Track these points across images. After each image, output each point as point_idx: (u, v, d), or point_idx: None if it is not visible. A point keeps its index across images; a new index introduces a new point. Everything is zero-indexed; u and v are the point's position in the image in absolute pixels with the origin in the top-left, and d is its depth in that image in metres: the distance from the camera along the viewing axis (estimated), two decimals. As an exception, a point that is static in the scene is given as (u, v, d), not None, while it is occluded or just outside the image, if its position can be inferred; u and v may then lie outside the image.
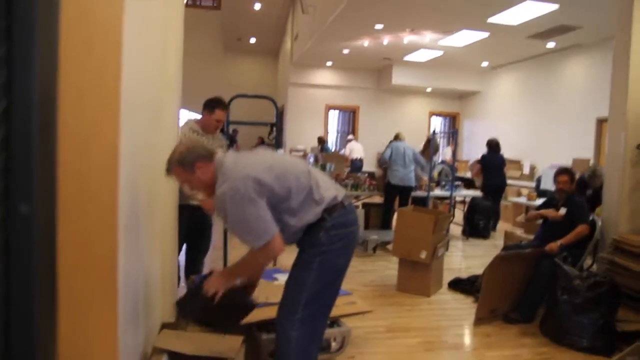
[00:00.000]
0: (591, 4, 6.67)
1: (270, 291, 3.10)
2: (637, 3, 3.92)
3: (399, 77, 12.31)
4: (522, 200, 6.99)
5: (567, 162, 8.34)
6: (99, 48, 1.18)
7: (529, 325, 3.70)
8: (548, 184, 7.16)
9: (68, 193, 1.05)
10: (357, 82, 13.36)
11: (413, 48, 10.18)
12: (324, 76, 13.24)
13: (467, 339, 3.57)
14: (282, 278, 2.80)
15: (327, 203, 2.19)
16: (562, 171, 4.24)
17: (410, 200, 6.68)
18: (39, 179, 0.74)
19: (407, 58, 11.20)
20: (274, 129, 4.73)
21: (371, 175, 7.39)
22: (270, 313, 2.60)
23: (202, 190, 2.21)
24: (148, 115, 2.27)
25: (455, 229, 7.52)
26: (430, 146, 7.04)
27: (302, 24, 11.26)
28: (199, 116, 3.59)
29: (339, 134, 14.02)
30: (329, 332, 2.83)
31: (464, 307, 4.15)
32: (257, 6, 12.11)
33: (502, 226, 8.10)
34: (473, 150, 12.33)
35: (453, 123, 14.13)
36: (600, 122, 8.65)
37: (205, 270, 3.88)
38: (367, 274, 5.04)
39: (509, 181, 9.96)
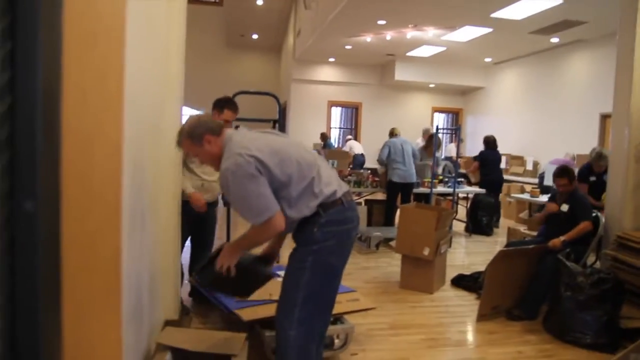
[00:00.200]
0: (595, -2, 6.64)
1: (273, 288, 3.09)
2: (642, -2, 3.89)
3: (401, 73, 12.27)
4: (526, 196, 6.98)
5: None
6: (102, 46, 1.18)
7: (532, 322, 3.70)
8: (551, 180, 7.14)
9: (71, 192, 1.05)
10: (360, 78, 13.32)
11: (416, 44, 10.15)
12: (327, 72, 13.21)
13: (470, 336, 3.57)
14: (286, 275, 2.79)
15: (324, 198, 2.17)
16: (560, 174, 4.15)
17: (412, 197, 6.67)
18: (43, 176, 0.74)
19: (410, 54, 11.16)
20: (277, 125, 4.72)
21: (374, 171, 7.38)
22: (273, 310, 2.61)
23: (209, 164, 2.23)
24: (150, 113, 2.27)
25: (458, 226, 7.52)
26: (434, 142, 7.04)
27: (304, 19, 11.23)
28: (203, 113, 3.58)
29: (342, 131, 14.01)
30: (332, 329, 2.84)
31: (467, 304, 4.15)
32: (260, 2, 12.08)
33: (505, 223, 8.09)
34: (476, 146, 12.26)
35: (456, 119, 14.09)
36: (604, 118, 8.62)
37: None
38: (370, 271, 5.04)
39: (512, 177, 10.00)
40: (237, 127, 3.19)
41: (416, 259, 4.34)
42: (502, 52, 10.90)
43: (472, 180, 8.18)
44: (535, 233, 4.78)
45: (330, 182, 2.25)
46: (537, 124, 10.56)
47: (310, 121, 13.19)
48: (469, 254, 6.08)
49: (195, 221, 3.51)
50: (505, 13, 7.54)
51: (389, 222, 6.64)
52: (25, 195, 0.73)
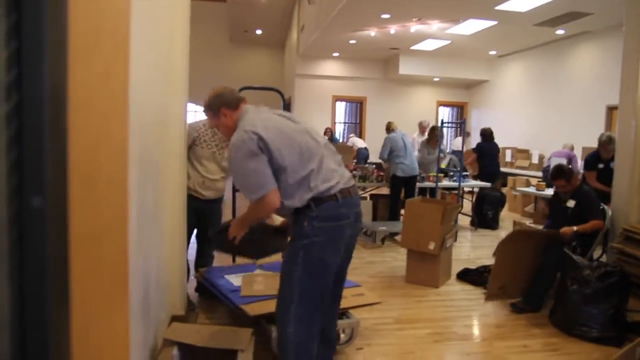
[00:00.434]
0: (601, -10, 6.59)
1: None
2: (649, -11, 3.86)
3: (406, 67, 12.22)
4: (531, 190, 6.95)
5: (577, 151, 8.27)
6: (106, 44, 1.18)
7: (538, 316, 3.70)
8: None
9: (78, 189, 1.05)
10: (364, 72, 13.29)
11: (420, 37, 10.11)
12: (331, 67, 13.19)
13: (476, 330, 3.57)
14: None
15: (317, 193, 2.17)
16: (555, 176, 4.09)
17: (416, 189, 6.66)
18: (50, 173, 0.74)
19: (415, 47, 11.12)
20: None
21: (379, 166, 7.37)
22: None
23: (226, 135, 2.32)
24: (155, 110, 2.27)
25: (464, 220, 7.50)
26: (440, 135, 7.02)
27: (308, 14, 11.20)
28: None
29: (346, 125, 13.99)
30: (337, 324, 2.84)
31: (473, 298, 4.15)
32: (263, -3, 12.06)
33: (511, 216, 8.07)
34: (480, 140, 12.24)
35: (461, 113, 14.04)
36: (611, 110, 8.57)
37: (215, 263, 3.91)
38: (376, 266, 5.05)
39: (517, 171, 9.97)
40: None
41: (422, 253, 4.34)
42: (507, 45, 10.84)
43: (470, 172, 8.21)
44: (541, 227, 4.76)
45: (330, 178, 2.23)
46: (543, 116, 10.50)
47: (315, 116, 13.17)
48: (475, 248, 6.07)
49: (201, 217, 3.53)
50: (510, 5, 7.49)
51: (394, 216, 6.64)
52: (33, 192, 0.73)
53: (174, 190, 2.81)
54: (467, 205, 7.85)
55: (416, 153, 7.29)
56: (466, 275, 4.60)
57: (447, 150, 9.52)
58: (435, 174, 6.79)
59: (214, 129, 3.46)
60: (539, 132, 10.50)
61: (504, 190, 8.40)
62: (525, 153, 10.44)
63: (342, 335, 3.03)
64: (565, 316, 3.45)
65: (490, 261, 4.79)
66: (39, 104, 0.70)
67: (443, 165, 7.17)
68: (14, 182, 0.71)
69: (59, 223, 0.83)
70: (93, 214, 1.16)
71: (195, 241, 3.78)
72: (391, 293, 4.18)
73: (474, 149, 7.97)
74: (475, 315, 3.77)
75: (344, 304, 2.78)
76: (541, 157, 9.86)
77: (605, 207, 4.22)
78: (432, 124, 8.38)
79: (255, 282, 3.27)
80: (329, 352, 2.62)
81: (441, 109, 13.98)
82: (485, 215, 7.21)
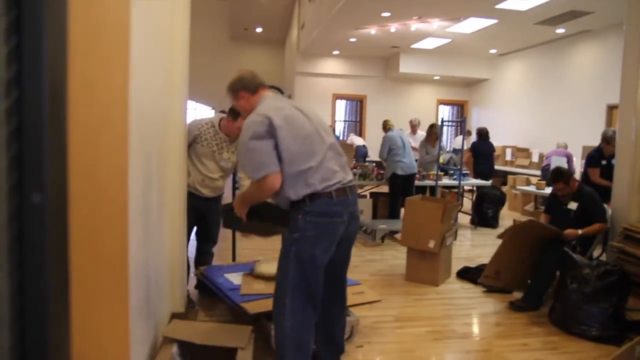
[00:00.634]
0: (602, -12, 6.57)
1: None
2: (650, -13, 3.85)
3: (406, 66, 12.21)
4: (531, 188, 6.95)
5: (576, 150, 8.27)
6: (107, 40, 1.18)
7: (538, 314, 3.70)
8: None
9: (78, 185, 1.05)
10: (364, 70, 13.28)
11: (421, 36, 10.09)
12: (331, 65, 13.17)
13: (476, 328, 3.58)
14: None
15: (313, 190, 2.23)
16: (554, 179, 4.05)
17: (414, 187, 6.67)
18: (50, 169, 0.74)
19: (415, 46, 11.10)
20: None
21: (379, 164, 7.37)
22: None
23: (244, 116, 2.40)
24: (156, 106, 2.27)
25: (464, 218, 7.50)
26: (439, 133, 7.03)
27: (308, 12, 11.18)
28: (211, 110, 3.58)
29: (347, 123, 13.99)
30: (344, 326, 2.84)
31: (473, 296, 4.15)
32: (263, -5, 12.05)
33: (511, 214, 8.07)
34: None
35: (461, 111, 14.03)
36: (611, 109, 8.56)
37: (215, 261, 3.92)
38: (376, 264, 5.05)
39: (517, 169, 9.97)
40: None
41: (421, 251, 4.34)
42: (508, 44, 10.83)
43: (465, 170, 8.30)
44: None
45: (329, 178, 2.27)
46: (543, 115, 10.50)
47: (315, 114, 13.15)
48: (475, 246, 6.08)
49: (200, 215, 3.53)
50: (511, 4, 7.48)
51: (393, 214, 6.64)
52: (34, 188, 0.73)
53: (174, 187, 2.81)
54: (467, 203, 7.85)
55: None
56: (466, 274, 4.60)
57: (448, 149, 9.53)
58: (435, 172, 6.79)
59: (215, 128, 3.46)
60: (539, 130, 10.50)
61: (504, 188, 8.40)
62: (525, 152, 10.43)
63: (341, 333, 3.03)
64: (565, 315, 3.45)
65: (489, 259, 4.79)
66: (39, 99, 0.70)
67: (442, 160, 7.17)
68: (14, 178, 0.71)
69: (59, 219, 0.83)
70: (93, 210, 1.16)
71: (195, 239, 3.78)
72: (391, 291, 4.18)
73: (469, 148, 8.08)
74: (474, 314, 3.77)
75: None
76: (541, 156, 9.86)
77: (606, 205, 4.22)
78: (421, 122, 8.40)
79: (255, 281, 3.27)
80: (336, 356, 2.64)
81: (441, 107, 13.97)
82: (485, 213, 7.21)
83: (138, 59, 1.60)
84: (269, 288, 3.10)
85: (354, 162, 8.59)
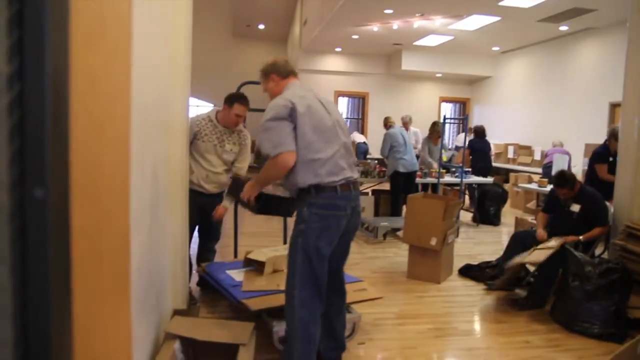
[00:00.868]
0: (606, -14, 6.54)
1: (280, 279, 3.11)
2: (654, -16, 3.83)
3: (408, 63, 12.19)
4: (533, 186, 6.94)
5: (579, 147, 8.25)
6: (109, 34, 1.18)
7: (540, 312, 3.70)
8: (559, 169, 7.09)
9: (80, 180, 1.05)
10: (367, 67, 13.25)
11: (423, 33, 10.07)
12: (333, 62, 13.15)
13: (477, 326, 3.58)
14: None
15: (319, 180, 2.33)
16: (560, 184, 3.97)
17: (415, 184, 6.66)
18: (52, 164, 0.74)
19: (417, 43, 11.08)
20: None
21: (381, 162, 7.37)
22: (280, 300, 2.63)
23: (270, 98, 2.52)
24: (158, 102, 2.27)
25: (466, 216, 7.50)
26: (442, 131, 7.02)
27: (311, 9, 11.16)
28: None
29: (349, 121, 13.98)
30: (345, 320, 2.85)
31: (474, 293, 4.15)
32: (266, -8, 12.04)
33: (513, 212, 8.06)
34: (483, 136, 12.22)
35: (463, 109, 14.00)
36: (614, 107, 8.53)
37: (217, 258, 3.92)
38: (377, 261, 5.05)
39: (519, 167, 9.96)
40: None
41: (423, 249, 4.34)
42: (510, 41, 10.80)
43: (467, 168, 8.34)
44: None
45: (336, 173, 2.38)
46: (545, 113, 10.48)
47: (317, 111, 13.14)
48: (477, 244, 6.07)
49: (203, 212, 3.53)
50: (514, 1, 7.46)
51: (395, 212, 6.64)
52: (35, 183, 0.73)
53: (176, 183, 2.81)
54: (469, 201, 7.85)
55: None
56: (468, 271, 4.60)
57: (450, 147, 9.53)
58: (437, 170, 6.78)
59: (213, 122, 3.48)
60: (541, 128, 10.48)
61: (506, 186, 8.39)
62: (527, 149, 10.41)
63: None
64: (567, 312, 3.45)
65: (491, 257, 4.79)
66: (41, 93, 0.70)
67: (445, 158, 7.18)
68: (16, 172, 0.71)
69: (61, 214, 0.83)
70: (95, 205, 1.16)
71: (197, 236, 3.78)
72: (393, 288, 4.18)
73: (467, 146, 8.08)
74: (476, 311, 3.77)
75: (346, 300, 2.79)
76: (543, 154, 9.85)
77: (608, 203, 4.20)
78: (413, 119, 8.42)
79: (257, 278, 3.27)
80: (337, 353, 2.67)
81: (444, 104, 13.95)
82: (487, 211, 7.20)
83: (140, 54, 1.60)
84: (271, 285, 3.11)
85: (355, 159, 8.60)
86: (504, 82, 12.31)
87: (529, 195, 8.25)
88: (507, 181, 9.58)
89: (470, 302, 3.94)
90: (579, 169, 7.91)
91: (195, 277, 3.86)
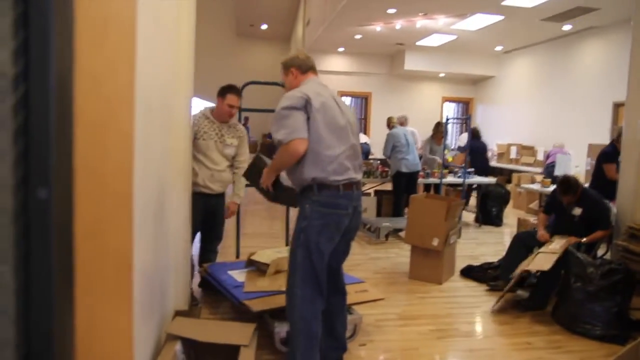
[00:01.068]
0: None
1: (283, 280, 3.11)
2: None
3: (411, 63, 12.18)
4: (536, 187, 6.93)
5: (582, 148, 8.22)
6: (113, 35, 1.18)
7: (542, 313, 3.69)
8: (562, 169, 7.08)
9: (83, 181, 1.05)
10: (370, 67, 13.24)
11: (426, 32, 10.06)
12: (336, 62, 13.15)
13: (479, 327, 3.57)
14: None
15: (324, 178, 2.36)
16: (565, 191, 3.94)
17: (417, 185, 6.66)
18: (56, 165, 0.75)
19: (420, 43, 11.07)
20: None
21: (383, 162, 7.36)
22: (282, 301, 2.63)
23: (287, 90, 2.57)
24: (161, 103, 2.27)
25: (468, 216, 7.49)
26: (445, 131, 7.01)
27: (314, 9, 11.16)
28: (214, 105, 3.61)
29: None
30: (346, 320, 2.85)
31: (477, 294, 4.14)
32: (269, -8, 12.04)
33: (516, 213, 8.05)
34: (486, 136, 12.19)
35: (466, 109, 13.98)
36: (617, 107, 8.51)
37: (219, 259, 3.92)
38: (380, 262, 5.05)
39: (522, 167, 9.94)
40: (245, 120, 3.34)
41: (425, 249, 4.34)
42: (514, 40, 10.77)
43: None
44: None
45: (340, 173, 2.41)
46: (549, 113, 10.45)
47: (319, 111, 13.13)
48: (479, 244, 6.06)
49: (205, 213, 3.53)
50: (517, 0, 7.44)
51: (397, 212, 6.63)
52: (39, 184, 0.73)
53: (179, 184, 2.82)
54: (472, 201, 7.83)
55: None
56: (470, 272, 4.59)
57: (453, 147, 9.54)
58: (439, 170, 6.78)
59: (210, 119, 3.49)
60: (544, 128, 10.45)
61: (509, 187, 8.38)
62: (530, 150, 10.40)
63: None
64: (569, 313, 3.44)
65: (493, 258, 4.78)
66: (46, 95, 0.70)
67: (450, 158, 7.19)
68: (20, 173, 0.71)
69: (64, 215, 0.83)
70: (98, 206, 1.16)
71: (198, 236, 3.78)
72: (394, 289, 4.18)
73: (463, 147, 8.25)
74: (478, 312, 3.77)
75: (347, 300, 2.78)
76: (546, 154, 9.84)
77: (611, 204, 4.19)
78: (416, 119, 8.46)
79: (259, 278, 3.27)
80: (339, 354, 2.68)
81: (446, 104, 13.93)
82: (489, 212, 7.19)
83: (144, 55, 1.60)
84: (273, 285, 3.11)
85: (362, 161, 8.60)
86: (507, 82, 12.28)
87: (532, 196, 8.23)
88: (509, 181, 9.57)
89: (472, 303, 3.94)
90: (581, 169, 7.88)
91: (197, 278, 3.87)
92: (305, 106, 2.35)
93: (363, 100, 13.79)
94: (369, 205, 6.76)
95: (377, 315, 3.52)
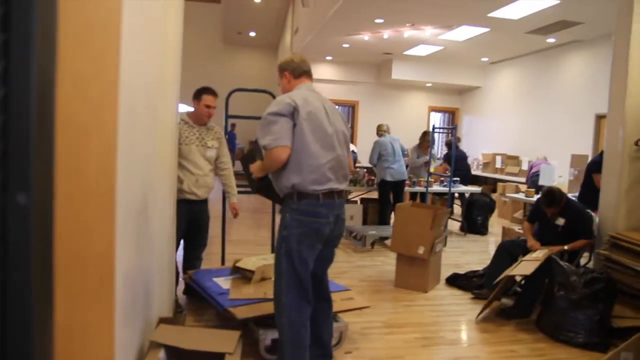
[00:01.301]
0: (592, -1, 6.65)
1: (268, 287, 3.10)
2: (638, -1, 3.90)
3: (398, 72, 12.27)
4: (520, 196, 7.00)
5: (566, 158, 8.34)
6: (98, 39, 1.17)
7: (526, 321, 3.72)
8: (546, 180, 7.18)
9: (65, 185, 1.04)
10: (357, 76, 13.31)
11: (413, 43, 10.16)
12: (324, 71, 13.19)
13: (464, 335, 3.58)
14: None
15: (303, 184, 2.37)
16: (549, 203, 4.01)
17: (403, 194, 6.68)
18: (36, 169, 0.73)
19: (407, 53, 11.16)
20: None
21: (370, 170, 7.39)
22: (267, 309, 2.61)
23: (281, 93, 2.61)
24: (146, 108, 2.26)
25: (453, 225, 7.53)
26: (431, 140, 7.06)
27: (302, 17, 11.21)
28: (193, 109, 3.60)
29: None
30: (332, 327, 2.84)
31: (462, 302, 4.16)
32: (257, -1, 12.05)
33: (500, 222, 8.12)
34: (472, 146, 12.33)
35: (452, 118, 14.11)
36: (599, 119, 8.66)
37: (203, 265, 3.89)
38: (365, 270, 5.05)
39: (507, 177, 10.05)
40: (231, 127, 3.30)
41: (411, 257, 4.35)
42: (499, 52, 10.93)
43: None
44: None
45: (320, 183, 2.41)
46: (533, 124, 10.60)
47: (307, 119, 13.14)
48: (464, 253, 6.10)
49: (189, 220, 3.51)
50: (502, 13, 7.56)
51: (383, 221, 6.65)
52: (19, 188, 0.72)
53: (164, 189, 2.79)
54: (457, 210, 7.88)
55: None
56: (455, 280, 4.61)
57: (439, 156, 9.61)
58: (425, 179, 6.82)
59: (189, 123, 3.49)
60: (529, 139, 10.59)
61: (494, 196, 8.46)
62: (515, 159, 10.52)
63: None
64: (552, 322, 3.47)
65: (478, 266, 4.81)
66: (27, 98, 0.70)
67: (432, 169, 7.23)
68: (-1, 177, 0.70)
69: (44, 220, 0.82)
70: (80, 211, 1.14)
71: (184, 242, 3.75)
72: (380, 297, 4.18)
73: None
74: (463, 320, 3.78)
75: (333, 307, 2.78)
76: (530, 164, 9.96)
77: (593, 214, 4.25)
78: (402, 127, 8.56)
79: (244, 286, 3.25)
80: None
81: (433, 114, 14.04)
82: (474, 220, 7.24)
83: (129, 59, 1.59)
84: (258, 293, 3.09)
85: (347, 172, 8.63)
86: (492, 93, 12.43)
87: (516, 205, 8.31)
88: (494, 191, 9.66)
89: (457, 311, 3.95)
90: (565, 179, 7.99)
91: (181, 285, 3.83)
92: (293, 113, 2.36)
93: (350, 109, 13.84)
94: (355, 213, 6.77)
95: (363, 323, 3.51)
